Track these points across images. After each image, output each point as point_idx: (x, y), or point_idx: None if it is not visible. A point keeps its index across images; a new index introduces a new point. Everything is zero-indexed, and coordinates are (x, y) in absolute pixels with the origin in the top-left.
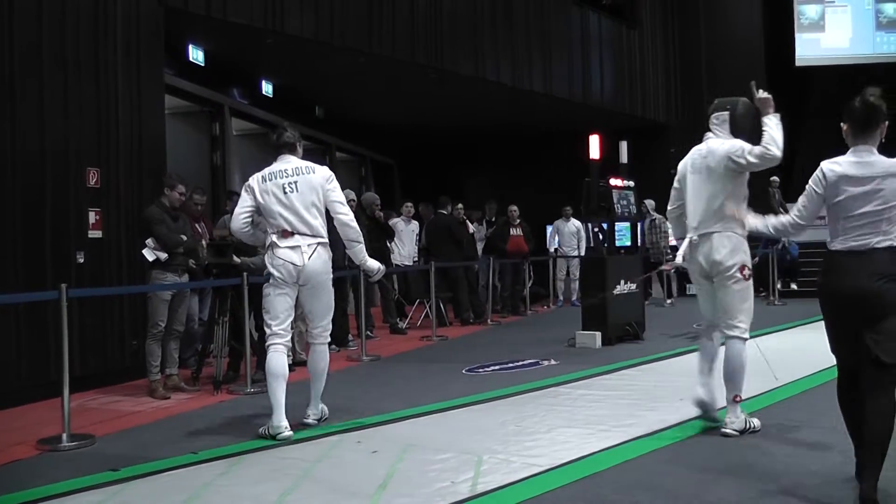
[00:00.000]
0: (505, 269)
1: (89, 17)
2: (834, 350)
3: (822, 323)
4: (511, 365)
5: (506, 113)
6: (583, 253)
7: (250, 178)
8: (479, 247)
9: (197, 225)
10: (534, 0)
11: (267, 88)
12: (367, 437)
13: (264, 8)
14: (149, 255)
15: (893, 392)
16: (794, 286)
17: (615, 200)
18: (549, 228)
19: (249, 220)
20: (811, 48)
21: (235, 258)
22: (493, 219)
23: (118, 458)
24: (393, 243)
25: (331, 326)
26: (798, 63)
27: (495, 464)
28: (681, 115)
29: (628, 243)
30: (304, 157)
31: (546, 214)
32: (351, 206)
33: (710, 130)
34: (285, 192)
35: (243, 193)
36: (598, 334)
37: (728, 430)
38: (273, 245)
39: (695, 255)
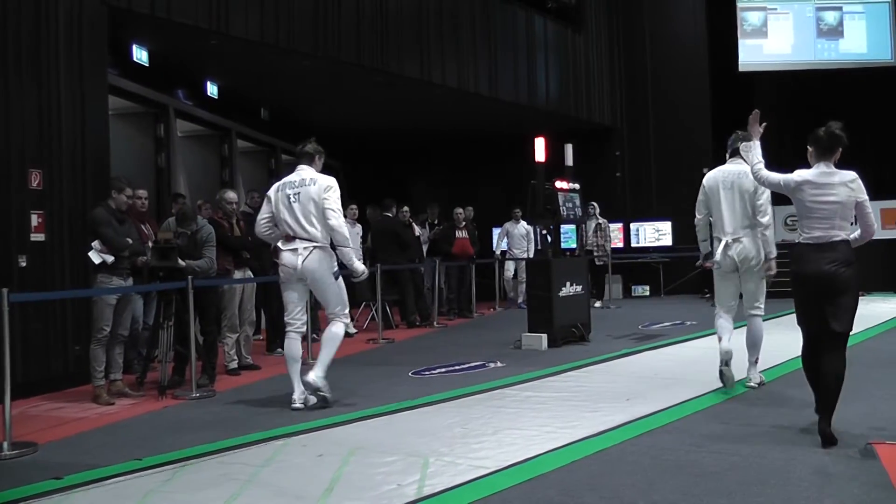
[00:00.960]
0: (451, 272)
1: (31, 16)
2: (801, 322)
3: (766, 324)
4: (457, 367)
5: (452, 115)
6: (531, 255)
7: (270, 188)
8: (424, 249)
9: (143, 226)
10: (479, 3)
11: (212, 90)
12: (312, 441)
13: (209, 8)
14: (95, 257)
15: (844, 353)
16: None
17: (561, 203)
18: (496, 230)
19: (270, 223)
20: (754, 54)
21: (180, 261)
22: (436, 221)
23: (61, 466)
24: None
25: (343, 312)
26: (741, 69)
27: (442, 466)
28: (626, 119)
29: (574, 245)
30: (252, 161)
31: (492, 217)
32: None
33: (738, 156)
34: (290, 202)
35: (264, 202)
36: (545, 336)
37: (752, 384)
38: (277, 248)
39: (728, 253)
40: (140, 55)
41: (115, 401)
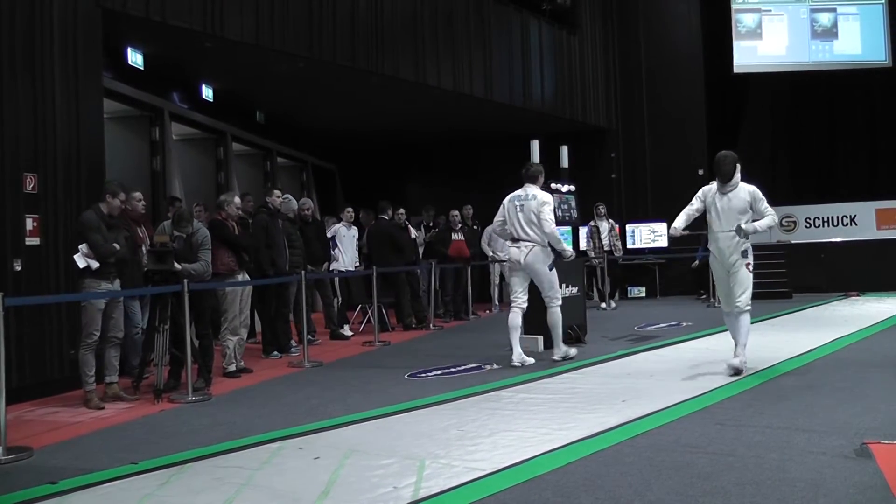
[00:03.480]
0: (447, 274)
1: (25, 19)
2: None
3: (761, 325)
4: (453, 369)
5: (447, 118)
6: None
7: (505, 198)
8: (420, 251)
9: (139, 229)
10: (475, 5)
11: (207, 93)
12: (309, 444)
13: (204, 11)
14: (80, 261)
15: None
16: None
17: (556, 205)
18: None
19: (503, 225)
20: (749, 55)
21: (176, 265)
22: (431, 224)
23: (56, 470)
24: (336, 250)
25: (555, 295)
26: (736, 70)
27: (438, 468)
28: (621, 120)
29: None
30: (248, 164)
31: (488, 219)
32: (306, 215)
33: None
34: (517, 211)
35: (500, 209)
36: (540, 338)
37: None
38: (509, 245)
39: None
40: (135, 58)
41: (105, 405)
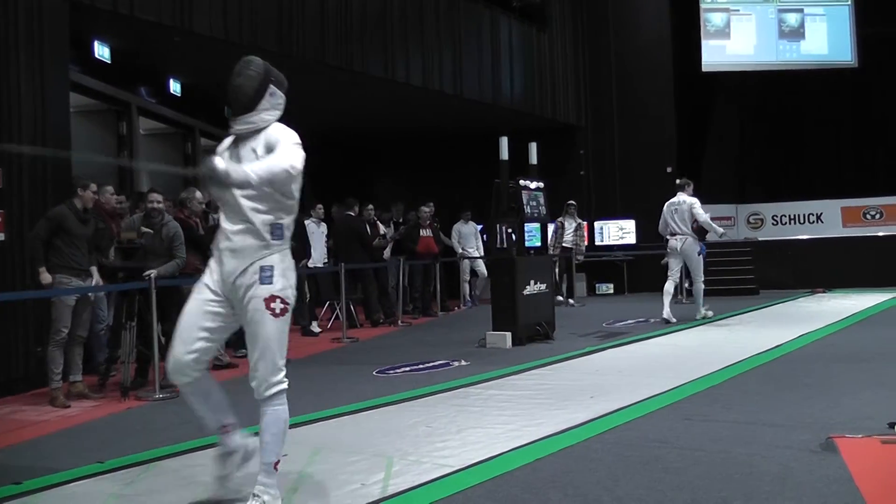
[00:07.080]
0: (415, 270)
1: None
2: None
3: (730, 320)
4: (422, 366)
5: (417, 114)
6: (481, 253)
7: (664, 205)
8: (389, 247)
9: (112, 222)
10: (444, 2)
11: (175, 87)
12: None
13: (172, 5)
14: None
15: None
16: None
17: (525, 201)
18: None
19: (665, 225)
20: (717, 54)
21: (152, 272)
22: (401, 220)
23: (21, 470)
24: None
25: (700, 274)
26: (704, 68)
27: (406, 465)
28: (590, 117)
29: (538, 244)
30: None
31: (458, 215)
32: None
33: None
34: (673, 214)
35: (661, 215)
36: (509, 334)
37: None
38: (668, 238)
39: None
40: (102, 52)
41: (70, 403)
